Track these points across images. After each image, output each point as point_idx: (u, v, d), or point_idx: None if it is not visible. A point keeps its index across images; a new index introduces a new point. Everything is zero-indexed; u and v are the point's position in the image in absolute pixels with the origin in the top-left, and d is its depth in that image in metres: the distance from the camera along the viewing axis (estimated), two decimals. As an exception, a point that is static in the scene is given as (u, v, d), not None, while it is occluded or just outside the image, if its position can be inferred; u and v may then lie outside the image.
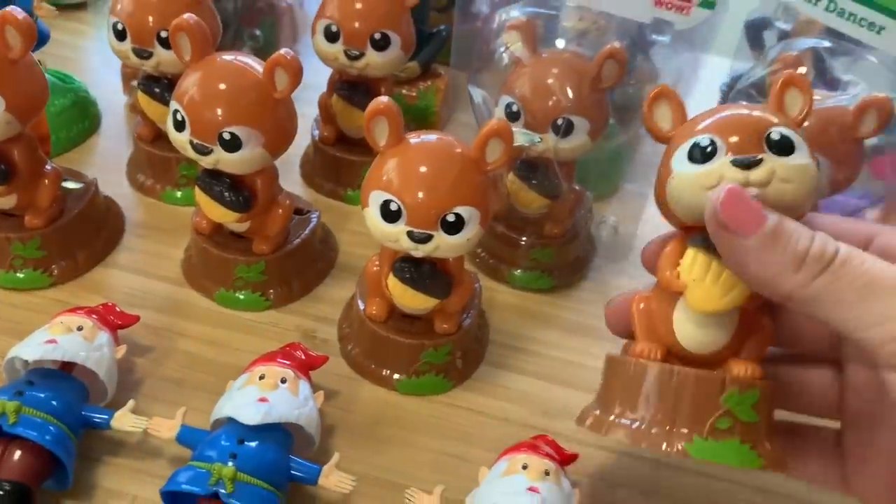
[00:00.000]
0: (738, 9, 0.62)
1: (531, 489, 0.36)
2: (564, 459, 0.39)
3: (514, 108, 0.46)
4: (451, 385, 0.46)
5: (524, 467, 0.37)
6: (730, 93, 0.58)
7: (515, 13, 0.46)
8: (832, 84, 0.46)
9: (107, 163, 0.59)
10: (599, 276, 0.55)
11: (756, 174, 0.28)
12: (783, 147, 0.29)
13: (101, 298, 0.47)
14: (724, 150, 0.29)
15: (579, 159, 0.49)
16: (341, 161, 0.57)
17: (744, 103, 0.32)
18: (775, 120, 0.30)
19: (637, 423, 0.31)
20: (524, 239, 0.52)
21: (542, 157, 0.47)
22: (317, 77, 0.59)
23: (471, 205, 0.38)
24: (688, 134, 0.30)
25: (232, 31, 0.62)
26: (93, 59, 0.70)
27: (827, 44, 0.46)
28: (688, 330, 0.32)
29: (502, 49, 0.46)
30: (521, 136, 0.45)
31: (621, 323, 0.35)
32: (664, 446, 0.30)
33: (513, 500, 0.35)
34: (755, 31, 0.64)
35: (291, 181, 0.59)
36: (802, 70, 0.46)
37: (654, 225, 0.60)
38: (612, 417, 0.32)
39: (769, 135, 0.29)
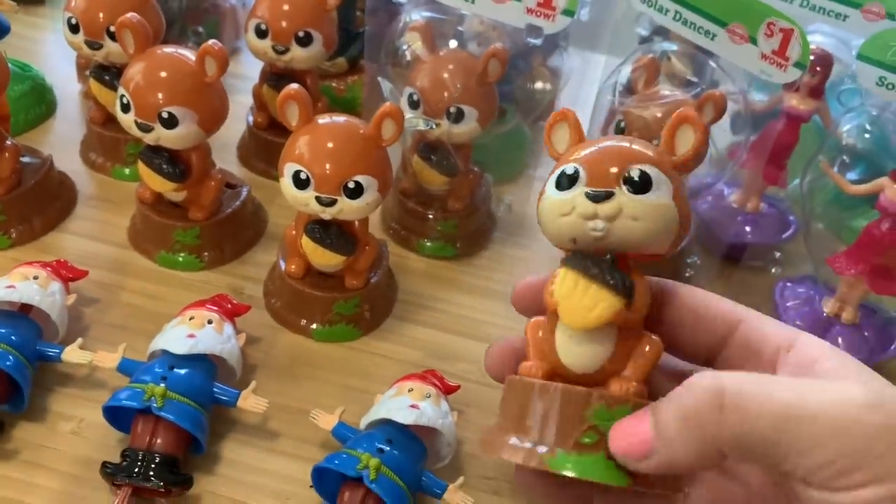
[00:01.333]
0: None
1: (413, 406, 0.44)
2: (447, 389, 0.47)
3: (415, 97, 0.54)
4: (360, 334, 0.54)
5: (410, 390, 0.45)
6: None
7: (416, 16, 0.54)
8: (681, 82, 0.55)
9: (62, 143, 0.65)
10: (497, 246, 0.63)
11: (603, 208, 0.28)
12: (639, 185, 0.29)
13: (54, 258, 0.54)
14: (584, 180, 0.29)
15: (477, 143, 0.57)
16: (273, 144, 0.64)
17: (630, 137, 0.32)
18: (644, 156, 0.30)
19: (515, 440, 0.30)
20: (431, 213, 0.60)
21: (440, 140, 0.55)
22: (254, 70, 0.67)
23: (369, 174, 0.46)
24: (565, 160, 0.30)
25: (177, 28, 0.68)
26: (50, 51, 0.77)
27: (675, 47, 0.54)
28: (567, 348, 0.31)
29: (405, 47, 0.54)
30: (420, 121, 0.53)
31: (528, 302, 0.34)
32: (528, 460, 0.29)
33: (397, 414, 0.43)
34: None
35: (229, 162, 0.67)
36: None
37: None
38: (501, 436, 0.31)
39: (629, 171, 0.29)
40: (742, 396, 0.25)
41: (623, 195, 0.29)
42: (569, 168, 0.29)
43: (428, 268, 0.61)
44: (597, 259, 0.29)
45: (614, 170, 0.29)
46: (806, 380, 0.27)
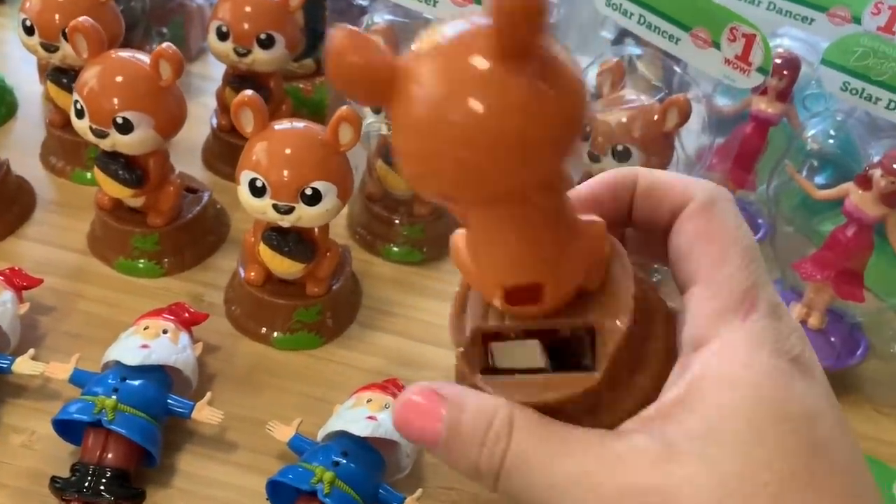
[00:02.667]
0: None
1: (370, 417, 0.43)
2: (407, 398, 0.46)
3: (377, 101, 0.53)
4: (322, 341, 0.53)
5: (368, 401, 0.44)
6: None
7: (378, 19, 0.53)
8: (647, 87, 0.54)
9: (22, 146, 0.64)
10: (465, 251, 0.63)
11: None
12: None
13: (9, 265, 0.53)
14: None
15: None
16: (237, 147, 0.62)
17: None
18: None
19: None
20: (397, 218, 0.59)
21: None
22: (220, 72, 0.66)
23: (327, 180, 0.45)
24: None
25: (141, 29, 0.67)
26: (10, 51, 0.75)
27: (640, 52, 0.54)
28: None
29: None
30: (384, 125, 0.53)
31: None
32: None
33: (353, 426, 0.42)
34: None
35: (194, 166, 0.65)
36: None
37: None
38: None
39: None
40: (525, 457, 0.23)
41: None
42: None
43: (394, 273, 0.60)
44: None
45: None
46: (598, 446, 0.23)
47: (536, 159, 0.21)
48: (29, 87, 0.70)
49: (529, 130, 0.20)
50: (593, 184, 0.28)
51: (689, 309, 0.25)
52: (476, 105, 0.19)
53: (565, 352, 0.26)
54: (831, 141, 0.54)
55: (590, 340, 0.25)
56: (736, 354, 0.23)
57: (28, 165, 0.61)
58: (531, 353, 0.26)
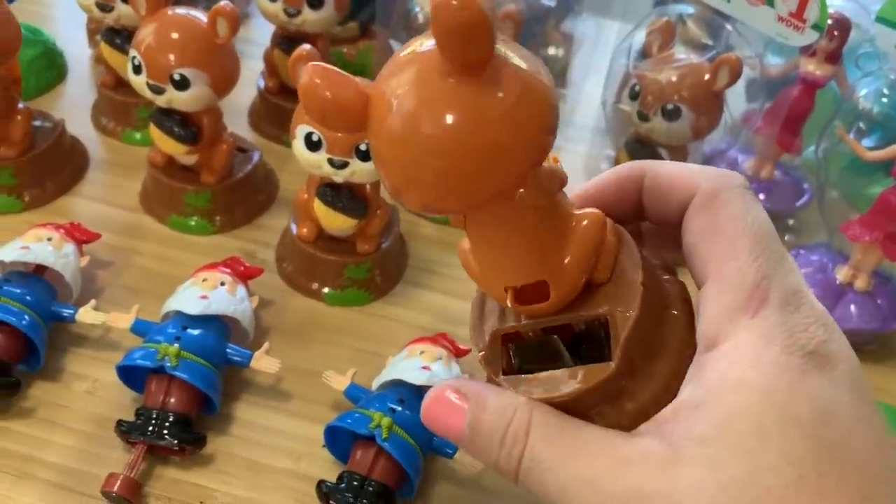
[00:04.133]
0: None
1: (424, 367, 0.44)
2: (458, 352, 0.47)
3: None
4: (371, 298, 0.54)
5: (421, 353, 0.45)
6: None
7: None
8: (696, 46, 0.54)
9: (73, 108, 0.65)
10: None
11: None
12: None
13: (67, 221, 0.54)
14: None
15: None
16: (284, 109, 0.64)
17: None
18: None
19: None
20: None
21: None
22: (264, 35, 0.66)
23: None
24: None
25: (187, -9, 0.68)
26: (60, 15, 0.76)
27: (691, 10, 0.54)
28: None
29: (417, 10, 0.53)
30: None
31: None
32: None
33: (408, 375, 0.43)
34: None
35: (240, 127, 0.66)
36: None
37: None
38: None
39: None
40: (539, 459, 0.24)
41: None
42: None
43: (437, 233, 0.61)
44: None
45: None
46: (609, 448, 0.24)
47: (503, 163, 0.22)
48: (78, 49, 0.71)
49: (489, 137, 0.22)
50: (599, 181, 0.28)
51: (701, 307, 0.24)
52: (439, 118, 0.21)
53: (586, 346, 0.27)
54: (884, 100, 0.53)
55: (605, 332, 0.26)
56: (744, 355, 0.23)
57: (80, 126, 0.62)
58: (551, 349, 0.27)
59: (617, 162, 0.57)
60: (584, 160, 0.70)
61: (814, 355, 0.22)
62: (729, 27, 0.53)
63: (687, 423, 0.23)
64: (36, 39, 0.66)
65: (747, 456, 0.21)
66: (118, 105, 0.62)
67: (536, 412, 0.25)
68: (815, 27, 0.47)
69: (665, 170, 0.26)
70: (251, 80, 0.66)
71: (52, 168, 0.56)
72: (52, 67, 0.67)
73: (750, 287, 0.23)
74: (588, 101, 0.75)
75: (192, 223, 0.56)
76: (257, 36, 0.74)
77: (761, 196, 0.64)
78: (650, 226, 0.29)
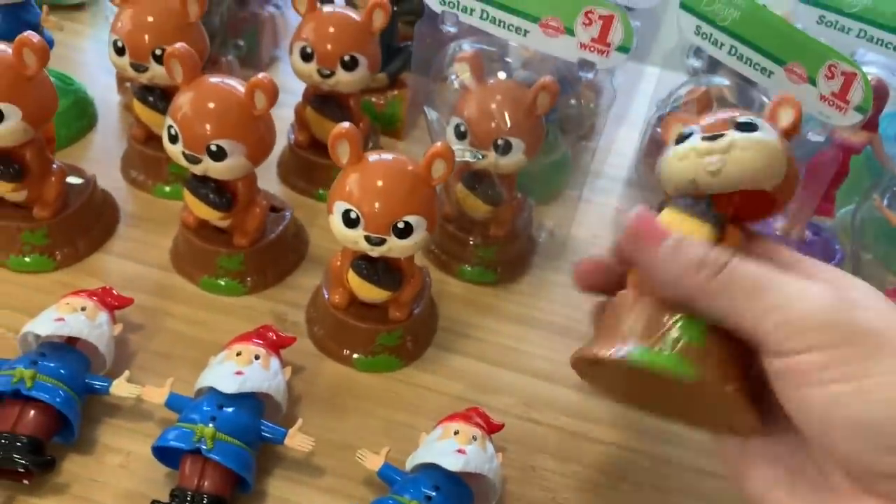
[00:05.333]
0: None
1: (459, 451, 0.43)
2: (491, 429, 0.47)
3: (462, 128, 0.53)
4: (402, 364, 0.54)
5: (455, 433, 0.45)
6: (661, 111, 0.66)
7: (465, 46, 0.53)
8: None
9: (103, 158, 0.65)
10: (538, 272, 0.63)
11: (718, 143, 0.32)
12: (747, 126, 0.33)
13: (98, 281, 0.54)
14: (699, 132, 0.34)
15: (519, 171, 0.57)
16: (313, 163, 0.64)
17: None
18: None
19: (602, 348, 0.35)
20: (472, 239, 0.60)
21: (485, 170, 0.55)
22: (293, 81, 0.66)
23: (419, 214, 0.46)
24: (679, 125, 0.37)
25: (218, 41, 0.68)
26: (90, 59, 0.76)
27: (727, 82, 0.53)
28: None
29: (453, 77, 0.53)
30: (467, 153, 0.53)
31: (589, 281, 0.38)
32: (611, 355, 0.34)
33: (443, 459, 0.43)
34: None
35: (269, 179, 0.66)
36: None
37: (587, 227, 0.68)
38: (589, 348, 0.35)
39: (736, 119, 0.34)
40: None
41: (733, 134, 0.33)
42: (685, 129, 0.35)
43: (467, 293, 0.61)
44: (694, 199, 0.34)
45: (724, 118, 0.34)
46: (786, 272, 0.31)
47: None
48: (107, 95, 0.71)
49: None
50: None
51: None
52: None
53: None
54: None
55: None
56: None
57: (109, 177, 0.62)
58: None
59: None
60: (614, 213, 0.70)
61: None
62: (765, 99, 0.53)
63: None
64: (67, 88, 0.66)
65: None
66: (149, 159, 0.62)
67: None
68: (859, 109, 0.47)
69: None
70: (281, 129, 0.66)
71: (84, 226, 0.56)
72: (84, 117, 0.67)
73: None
74: (618, 152, 0.75)
75: (223, 284, 0.56)
76: (285, 81, 0.73)
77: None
78: None
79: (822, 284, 0.31)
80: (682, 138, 0.34)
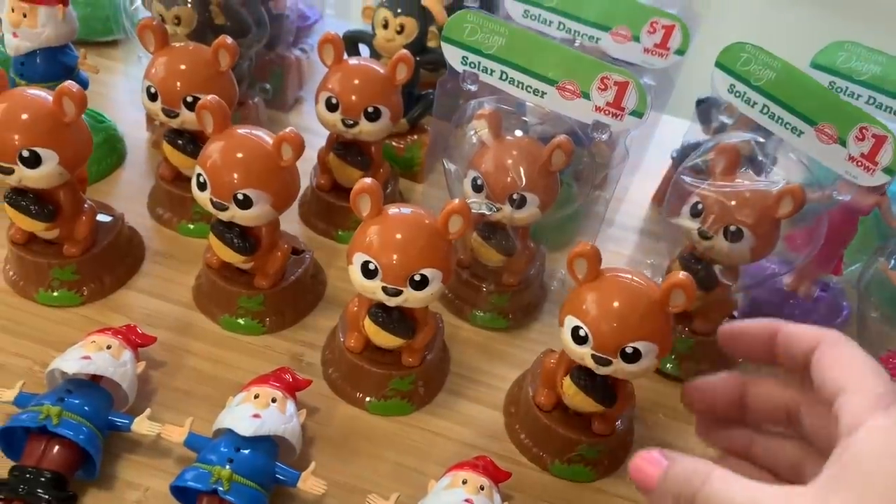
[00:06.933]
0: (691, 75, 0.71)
1: (467, 500, 0.45)
2: (499, 477, 0.48)
3: (479, 181, 0.55)
4: (413, 408, 0.55)
5: (464, 482, 0.46)
6: (679, 162, 0.67)
7: (485, 104, 0.55)
8: (758, 172, 0.55)
9: (130, 194, 0.68)
10: (549, 319, 0.64)
11: None
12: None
13: (122, 317, 0.56)
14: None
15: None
16: (334, 206, 0.66)
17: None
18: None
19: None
20: (485, 286, 0.61)
21: (500, 221, 0.56)
22: (316, 122, 0.67)
23: (435, 267, 0.47)
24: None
25: (245, 84, 0.70)
26: (119, 95, 0.79)
27: (757, 138, 0.55)
28: None
29: (472, 132, 0.55)
30: (483, 205, 0.54)
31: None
32: None
33: (451, 509, 0.44)
34: (706, 110, 0.73)
35: (290, 220, 0.68)
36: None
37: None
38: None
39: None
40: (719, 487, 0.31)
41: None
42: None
43: (480, 338, 0.62)
44: None
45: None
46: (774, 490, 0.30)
47: None
48: (136, 132, 0.73)
49: None
50: (746, 327, 0.38)
51: (842, 408, 0.32)
52: None
53: None
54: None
55: None
56: (884, 433, 0.30)
57: (135, 213, 0.65)
58: None
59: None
60: (626, 263, 0.71)
61: None
62: (793, 157, 0.54)
63: (840, 483, 0.30)
64: (99, 126, 0.68)
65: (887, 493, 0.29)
66: (175, 198, 0.64)
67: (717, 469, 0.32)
68: (887, 170, 0.48)
69: (793, 328, 0.36)
70: (304, 171, 0.68)
71: (111, 263, 0.58)
72: (113, 153, 0.69)
73: (881, 394, 0.31)
74: (632, 200, 0.77)
75: (243, 323, 0.57)
76: (308, 122, 0.76)
77: (796, 312, 0.65)
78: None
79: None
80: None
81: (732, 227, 0.53)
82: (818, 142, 0.50)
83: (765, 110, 0.53)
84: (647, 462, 0.34)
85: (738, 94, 0.53)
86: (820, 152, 0.51)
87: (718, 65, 0.54)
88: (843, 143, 0.49)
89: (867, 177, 0.49)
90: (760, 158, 0.58)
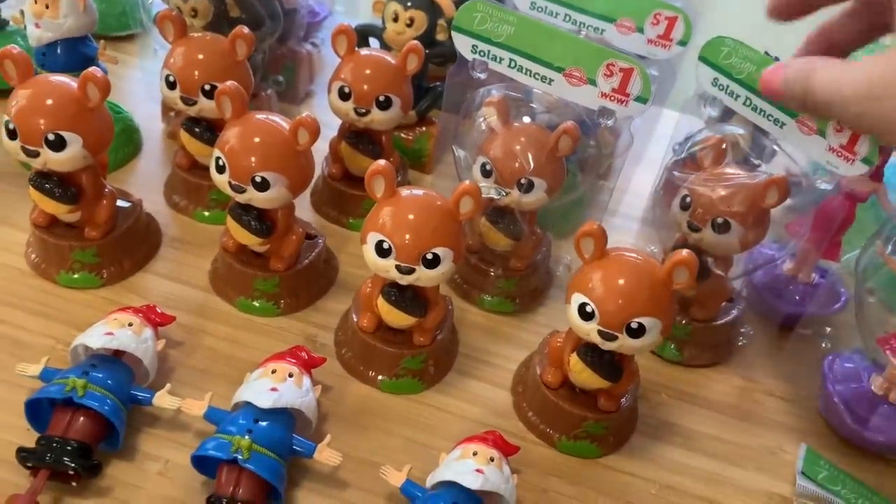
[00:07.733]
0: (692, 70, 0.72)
1: (478, 470, 0.46)
2: (507, 451, 0.50)
3: (488, 167, 0.57)
4: (424, 387, 0.57)
5: (474, 454, 0.48)
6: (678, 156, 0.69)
7: (494, 91, 0.57)
8: (745, 164, 0.57)
9: (147, 183, 0.69)
10: (554, 303, 0.66)
11: None
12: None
13: (140, 299, 0.58)
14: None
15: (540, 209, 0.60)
16: (345, 194, 0.68)
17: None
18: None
19: None
20: (493, 270, 0.63)
21: (508, 206, 0.58)
22: (327, 113, 0.68)
23: (446, 246, 0.49)
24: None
25: (259, 76, 0.72)
26: (136, 87, 0.81)
27: (742, 131, 0.57)
28: None
29: (481, 119, 0.57)
30: (492, 190, 0.56)
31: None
32: None
33: (462, 478, 0.46)
34: (696, 103, 0.75)
35: (303, 207, 0.70)
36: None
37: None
38: None
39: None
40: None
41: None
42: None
43: (487, 322, 0.64)
44: None
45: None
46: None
47: None
48: (150, 123, 0.75)
49: None
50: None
51: None
52: None
53: None
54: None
55: None
56: None
57: (152, 201, 0.66)
58: None
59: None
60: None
61: None
62: (776, 148, 0.56)
63: None
64: (117, 116, 0.70)
65: None
66: (191, 186, 0.65)
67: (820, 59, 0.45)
68: (866, 161, 0.50)
69: None
70: (316, 160, 0.69)
71: (129, 247, 0.60)
72: (130, 143, 0.71)
73: None
74: (635, 191, 0.78)
75: (258, 305, 0.59)
76: (320, 114, 0.77)
77: (797, 298, 0.67)
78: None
79: None
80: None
81: (719, 220, 0.54)
82: (799, 133, 0.52)
83: (747, 102, 0.55)
84: (770, 73, 0.46)
85: (721, 88, 0.55)
86: (801, 143, 0.52)
87: (702, 58, 0.55)
88: (823, 135, 0.51)
89: (847, 166, 0.51)
90: (748, 151, 0.60)
